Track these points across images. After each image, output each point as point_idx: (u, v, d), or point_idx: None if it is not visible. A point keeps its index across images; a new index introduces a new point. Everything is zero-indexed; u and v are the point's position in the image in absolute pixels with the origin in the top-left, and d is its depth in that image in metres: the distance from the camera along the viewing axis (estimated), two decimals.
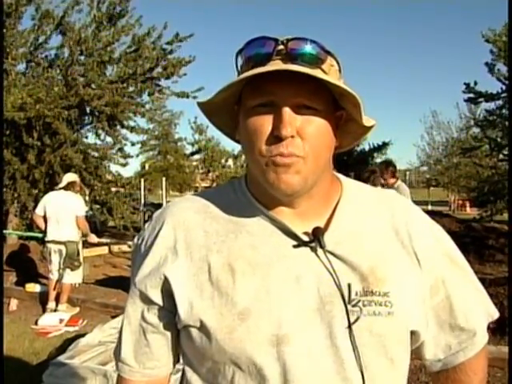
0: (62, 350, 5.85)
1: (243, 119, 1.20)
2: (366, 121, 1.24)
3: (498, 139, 16.86)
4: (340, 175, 1.39)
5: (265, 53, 1.17)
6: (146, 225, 1.39)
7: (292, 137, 1.13)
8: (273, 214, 1.24)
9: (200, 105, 1.29)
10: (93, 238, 9.05)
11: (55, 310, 8.13)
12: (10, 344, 6.33)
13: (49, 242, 8.34)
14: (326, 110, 1.18)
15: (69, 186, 8.47)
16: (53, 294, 8.32)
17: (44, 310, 8.27)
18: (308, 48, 1.17)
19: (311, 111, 1.15)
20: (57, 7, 13.21)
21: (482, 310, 1.39)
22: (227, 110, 1.29)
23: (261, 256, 1.21)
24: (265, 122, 1.15)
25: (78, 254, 8.39)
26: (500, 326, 6.33)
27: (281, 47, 1.17)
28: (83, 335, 6.08)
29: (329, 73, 1.19)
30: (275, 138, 1.13)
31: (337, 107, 1.23)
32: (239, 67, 1.24)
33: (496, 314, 1.43)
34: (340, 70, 1.25)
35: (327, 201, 1.28)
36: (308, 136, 1.14)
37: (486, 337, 1.41)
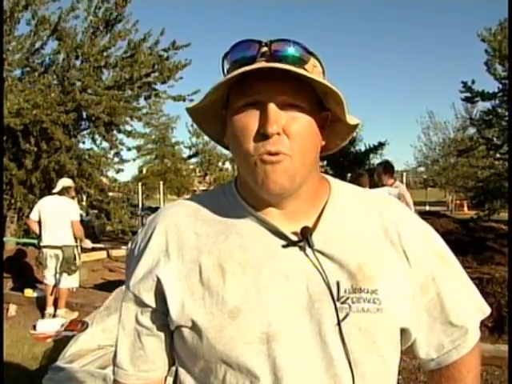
0: (61, 355, 5.85)
1: (230, 120, 1.22)
2: (350, 119, 1.27)
3: (494, 139, 16.90)
4: (328, 176, 1.41)
5: (249, 55, 1.19)
6: (139, 230, 1.41)
7: (278, 134, 1.15)
8: (262, 215, 1.26)
9: (189, 110, 1.30)
10: (87, 244, 9.06)
11: (54, 315, 8.14)
12: (9, 349, 6.33)
13: (45, 247, 8.35)
14: (311, 108, 1.20)
15: (63, 191, 8.48)
16: (50, 299, 8.33)
17: (43, 315, 8.27)
18: (291, 49, 1.19)
19: (296, 109, 1.17)
20: (53, 13, 13.24)
21: (473, 307, 1.41)
22: (216, 116, 1.31)
23: (250, 256, 1.23)
24: (251, 121, 1.17)
25: (75, 258, 8.40)
26: (498, 324, 6.36)
27: (265, 49, 1.19)
28: None
29: (312, 73, 1.21)
30: (261, 135, 1.15)
31: (322, 108, 1.25)
32: (225, 71, 1.26)
33: (488, 311, 1.44)
34: (323, 72, 1.27)
35: (315, 201, 1.30)
36: (293, 133, 1.16)
37: (478, 334, 1.42)
